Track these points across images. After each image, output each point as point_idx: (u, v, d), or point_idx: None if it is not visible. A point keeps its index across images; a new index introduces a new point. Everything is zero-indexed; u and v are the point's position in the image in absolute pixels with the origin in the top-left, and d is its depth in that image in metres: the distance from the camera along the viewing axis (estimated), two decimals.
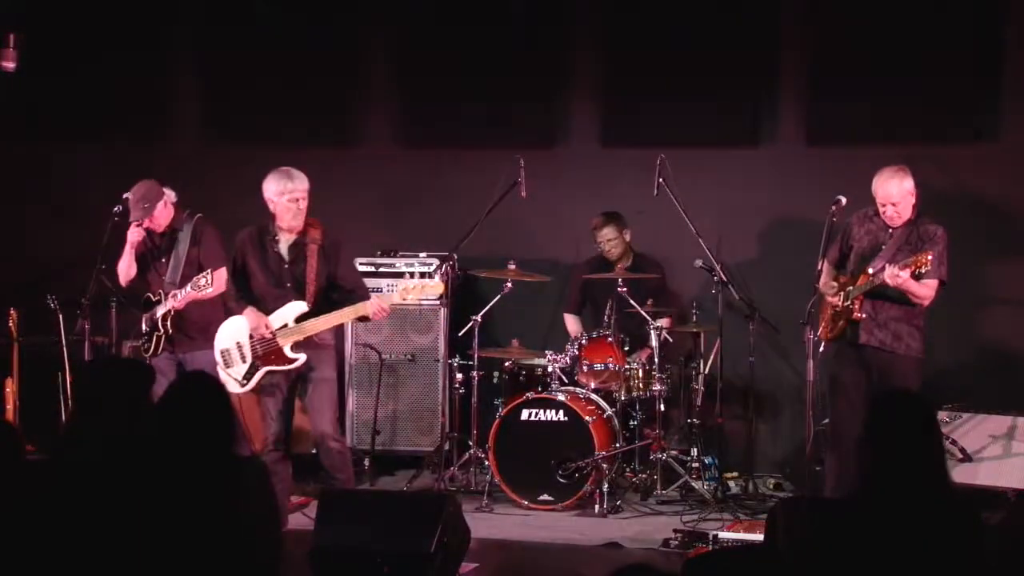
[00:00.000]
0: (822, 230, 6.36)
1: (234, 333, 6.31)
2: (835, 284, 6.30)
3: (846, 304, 6.22)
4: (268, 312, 6.24)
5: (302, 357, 6.20)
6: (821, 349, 6.44)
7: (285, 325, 6.20)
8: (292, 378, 6.30)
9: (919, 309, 6.20)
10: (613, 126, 8.07)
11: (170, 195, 6.72)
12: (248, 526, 3.46)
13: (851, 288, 6.23)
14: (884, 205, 6.20)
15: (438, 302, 7.67)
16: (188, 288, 6.37)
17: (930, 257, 5.89)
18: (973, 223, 7.41)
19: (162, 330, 6.59)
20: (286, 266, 6.27)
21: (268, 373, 6.24)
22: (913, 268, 5.90)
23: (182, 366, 6.52)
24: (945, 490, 3.35)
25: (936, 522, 3.25)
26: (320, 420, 6.23)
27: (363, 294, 6.35)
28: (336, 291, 6.34)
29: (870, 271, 6.17)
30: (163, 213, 6.66)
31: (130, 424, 3.57)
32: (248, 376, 6.25)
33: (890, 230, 6.26)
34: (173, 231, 6.71)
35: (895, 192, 6.15)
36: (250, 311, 6.25)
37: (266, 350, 6.21)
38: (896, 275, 5.93)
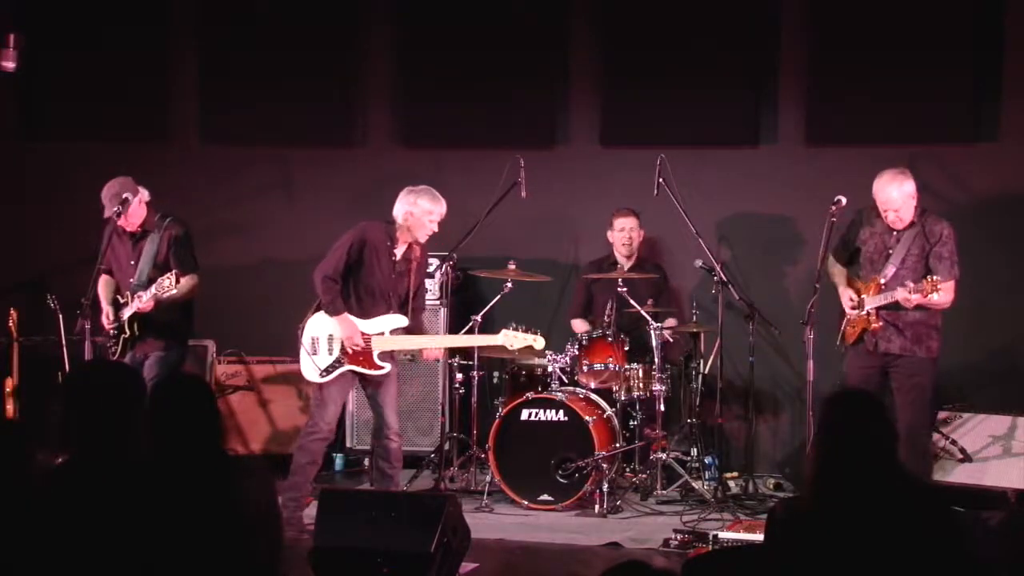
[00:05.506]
0: (822, 230, 6.37)
1: (330, 325, 6.32)
2: (853, 298, 6.26)
3: (862, 314, 6.20)
4: (364, 315, 6.29)
5: (387, 367, 6.30)
6: (844, 353, 6.42)
7: (381, 333, 6.28)
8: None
9: (938, 311, 6.20)
10: (613, 126, 8.06)
11: (144, 194, 6.60)
12: (248, 526, 3.46)
13: (865, 297, 6.20)
14: (885, 210, 6.17)
15: (438, 302, 7.67)
16: (152, 289, 6.31)
17: (936, 278, 5.90)
18: (973, 223, 7.41)
19: (128, 332, 6.53)
20: (393, 276, 6.35)
21: (349, 372, 6.30)
22: (924, 295, 5.90)
23: (142, 367, 6.45)
24: (907, 482, 3.35)
25: (915, 515, 3.25)
26: (389, 414, 6.38)
27: (420, 317, 6.57)
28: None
29: (882, 281, 6.15)
30: (137, 211, 6.53)
31: (124, 428, 3.55)
32: (329, 370, 6.29)
33: (895, 232, 6.24)
34: (144, 232, 6.61)
35: (896, 197, 6.10)
36: (345, 319, 6.25)
37: (357, 351, 6.26)
38: (909, 300, 5.97)
